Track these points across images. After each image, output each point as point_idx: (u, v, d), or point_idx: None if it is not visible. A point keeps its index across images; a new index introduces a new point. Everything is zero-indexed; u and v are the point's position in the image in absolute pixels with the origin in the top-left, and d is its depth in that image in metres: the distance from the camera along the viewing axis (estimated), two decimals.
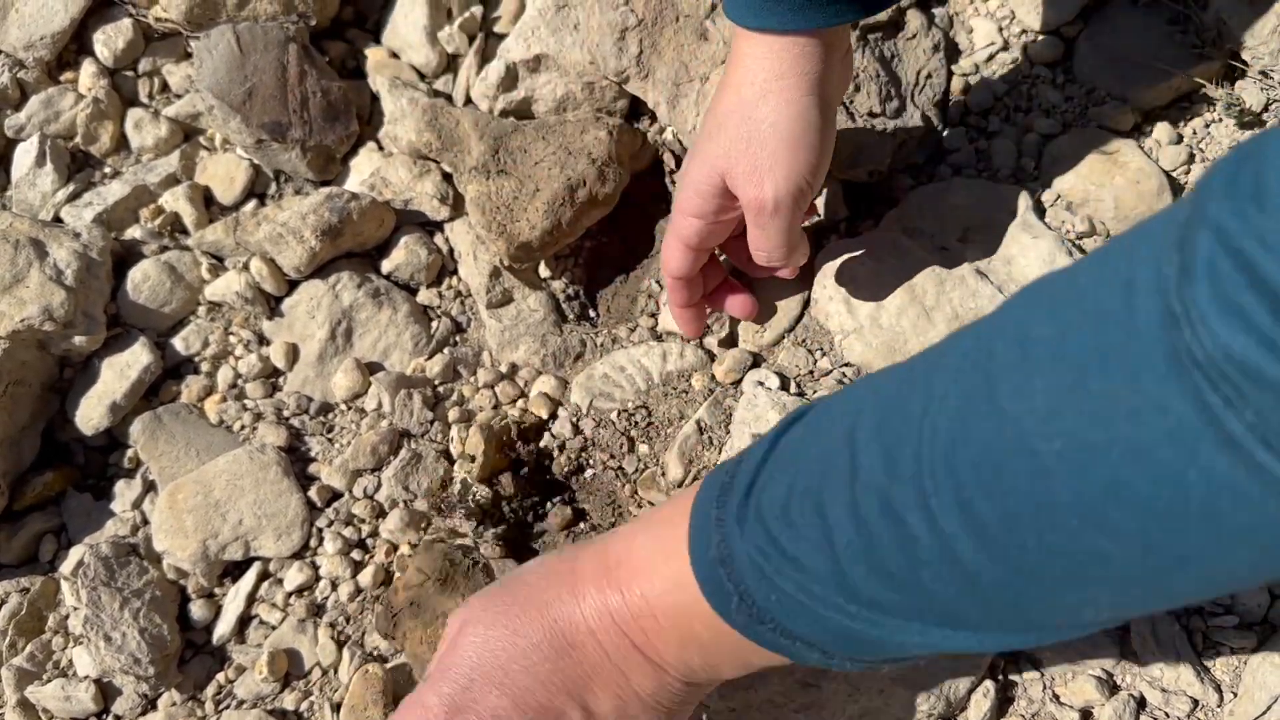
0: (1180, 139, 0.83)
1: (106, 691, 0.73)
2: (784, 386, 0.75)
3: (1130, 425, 0.32)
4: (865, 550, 0.41)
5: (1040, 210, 0.80)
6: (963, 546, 0.38)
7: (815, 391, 0.75)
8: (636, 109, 0.88)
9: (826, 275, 0.77)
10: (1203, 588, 0.38)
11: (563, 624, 0.52)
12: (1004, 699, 0.67)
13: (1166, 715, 0.65)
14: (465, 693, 0.51)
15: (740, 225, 0.70)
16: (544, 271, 0.84)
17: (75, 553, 0.76)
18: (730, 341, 0.79)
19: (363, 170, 0.88)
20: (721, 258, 0.79)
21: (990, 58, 0.88)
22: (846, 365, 0.76)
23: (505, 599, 0.54)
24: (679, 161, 0.86)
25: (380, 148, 0.89)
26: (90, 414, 0.78)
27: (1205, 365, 0.29)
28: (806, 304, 0.79)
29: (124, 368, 0.79)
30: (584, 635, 0.52)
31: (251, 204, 0.88)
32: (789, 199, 0.65)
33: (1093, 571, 0.37)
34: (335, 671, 0.72)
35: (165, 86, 0.93)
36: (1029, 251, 0.76)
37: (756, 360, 0.78)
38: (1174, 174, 0.81)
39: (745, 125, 0.64)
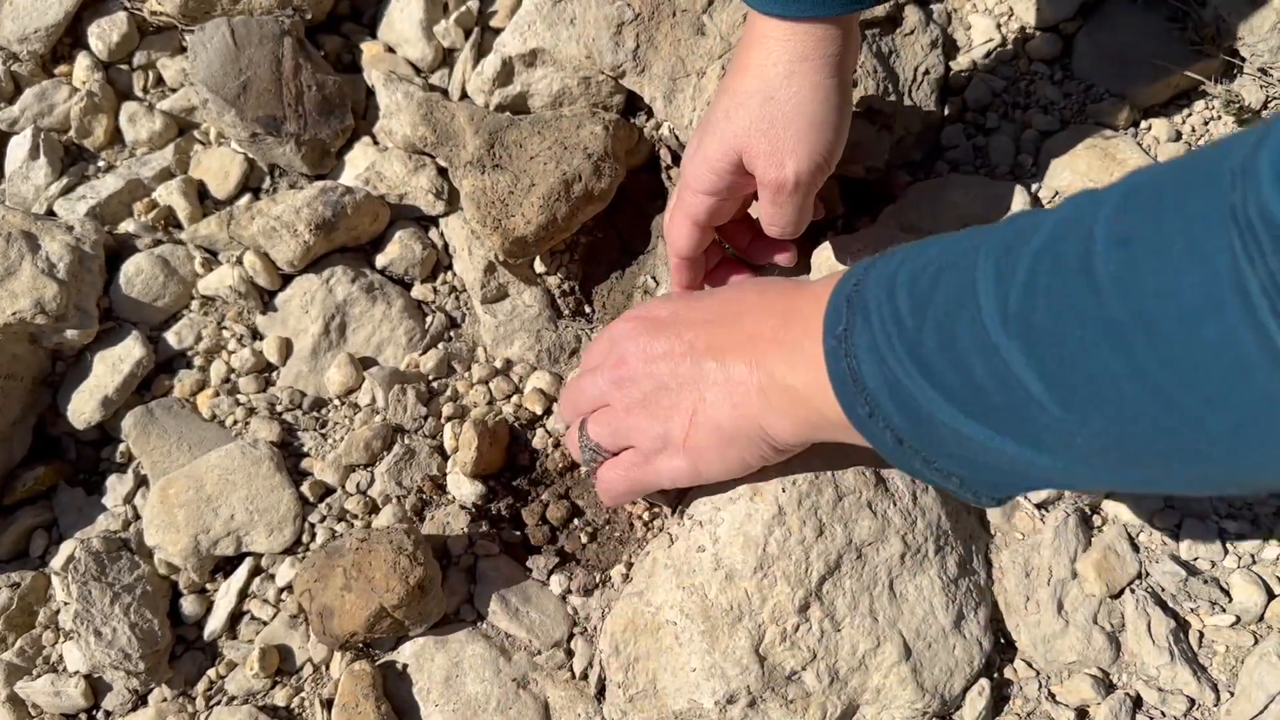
0: (1179, 136, 0.82)
1: (96, 687, 0.72)
2: None
3: (1175, 264, 0.35)
4: (946, 323, 0.44)
5: (1038, 207, 0.79)
6: (1010, 339, 0.41)
7: None
8: (633, 104, 0.87)
9: (822, 271, 0.77)
10: (1188, 454, 0.39)
11: (733, 301, 0.63)
12: (999, 697, 0.67)
13: (1163, 714, 0.65)
14: (655, 310, 0.66)
15: (744, 206, 0.73)
16: (539, 267, 0.84)
17: (66, 547, 0.76)
18: None
19: (358, 164, 0.87)
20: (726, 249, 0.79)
21: (988, 54, 0.87)
22: None
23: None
24: (675, 157, 0.86)
25: (375, 142, 0.89)
26: (82, 408, 0.78)
27: (1243, 223, 0.32)
28: None
29: (116, 362, 0.79)
30: (741, 313, 0.61)
31: (246, 198, 0.87)
32: (808, 178, 0.67)
33: (1100, 390, 0.39)
34: (326, 668, 0.72)
35: (160, 80, 0.92)
36: None
37: None
38: None
39: (768, 106, 0.65)
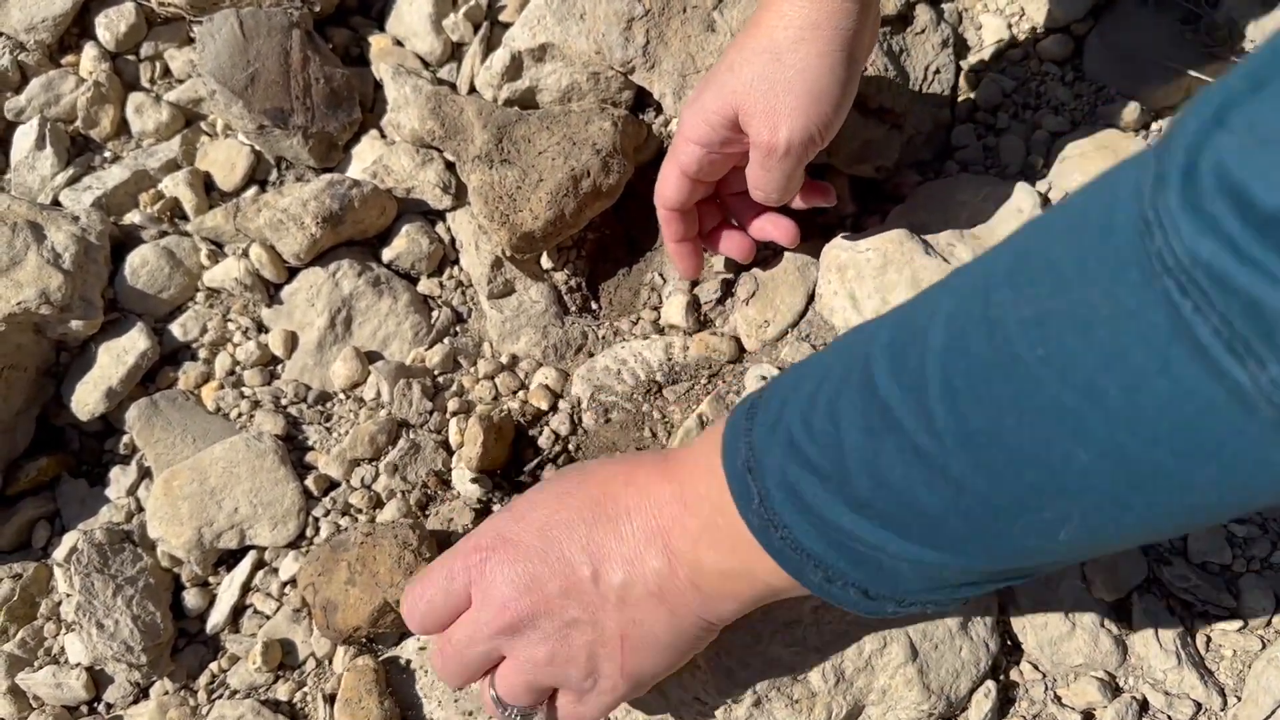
0: None
1: (98, 679, 0.72)
2: None
3: (1106, 331, 0.33)
4: (870, 457, 0.42)
5: (1048, 207, 0.79)
6: (952, 455, 0.39)
7: None
8: (642, 100, 0.87)
9: (831, 269, 0.76)
10: (1176, 512, 0.38)
11: (607, 500, 0.55)
12: (1005, 699, 0.66)
13: (1169, 718, 0.65)
14: (506, 529, 0.56)
15: (738, 166, 0.72)
16: (546, 263, 0.83)
17: (69, 539, 0.76)
18: (733, 335, 0.79)
19: (365, 158, 0.87)
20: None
21: (999, 54, 0.87)
22: None
23: (567, 474, 0.59)
24: None
25: (383, 136, 0.88)
26: (86, 399, 0.78)
27: (1175, 270, 0.30)
28: (811, 298, 0.78)
29: (121, 353, 0.78)
30: (621, 513, 0.54)
31: (252, 190, 0.87)
32: (799, 147, 0.66)
33: (1069, 483, 0.37)
34: (330, 663, 0.71)
35: (167, 71, 0.92)
36: None
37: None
38: None
39: (772, 67, 0.64)
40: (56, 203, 0.86)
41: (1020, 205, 0.78)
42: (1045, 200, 0.79)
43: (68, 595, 0.74)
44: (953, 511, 0.41)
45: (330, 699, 0.69)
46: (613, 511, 0.54)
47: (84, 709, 0.72)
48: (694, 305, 0.80)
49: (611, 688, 0.56)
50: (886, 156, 0.80)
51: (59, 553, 0.75)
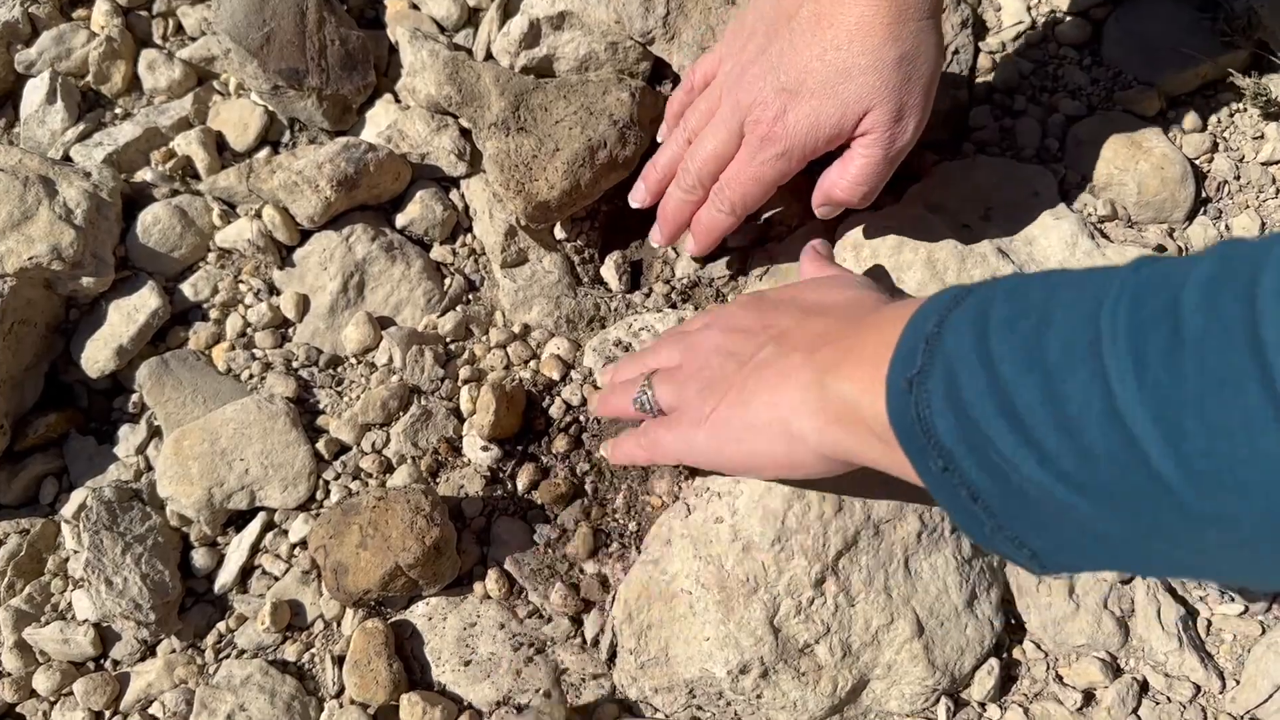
0: (1204, 127, 0.82)
1: (105, 636, 0.72)
2: None
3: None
4: (1054, 372, 0.38)
5: (1064, 192, 0.79)
6: (1151, 429, 0.34)
7: None
8: (659, 71, 0.87)
9: (846, 247, 0.77)
10: None
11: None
12: (1008, 677, 0.67)
13: (1169, 700, 0.66)
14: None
15: None
16: (559, 233, 0.83)
17: (77, 496, 0.75)
18: None
19: (379, 122, 0.86)
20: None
21: (1018, 36, 0.87)
22: None
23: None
24: None
25: (397, 100, 0.88)
26: (96, 356, 0.77)
27: None
28: None
29: (131, 311, 0.78)
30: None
31: (265, 151, 0.86)
32: (917, 137, 0.67)
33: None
34: (338, 625, 0.72)
35: (180, 28, 0.91)
36: (1051, 232, 0.75)
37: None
38: (1197, 161, 0.81)
39: (902, 64, 0.63)
40: (67, 158, 0.85)
41: (1037, 189, 0.78)
42: (1061, 185, 0.79)
43: (75, 552, 0.74)
44: (1113, 463, 0.36)
45: (339, 660, 0.70)
46: (818, 307, 0.62)
47: (91, 665, 0.72)
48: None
49: (694, 427, 0.61)
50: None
51: (67, 509, 0.75)
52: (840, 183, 0.69)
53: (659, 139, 0.81)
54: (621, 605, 0.67)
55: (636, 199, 0.80)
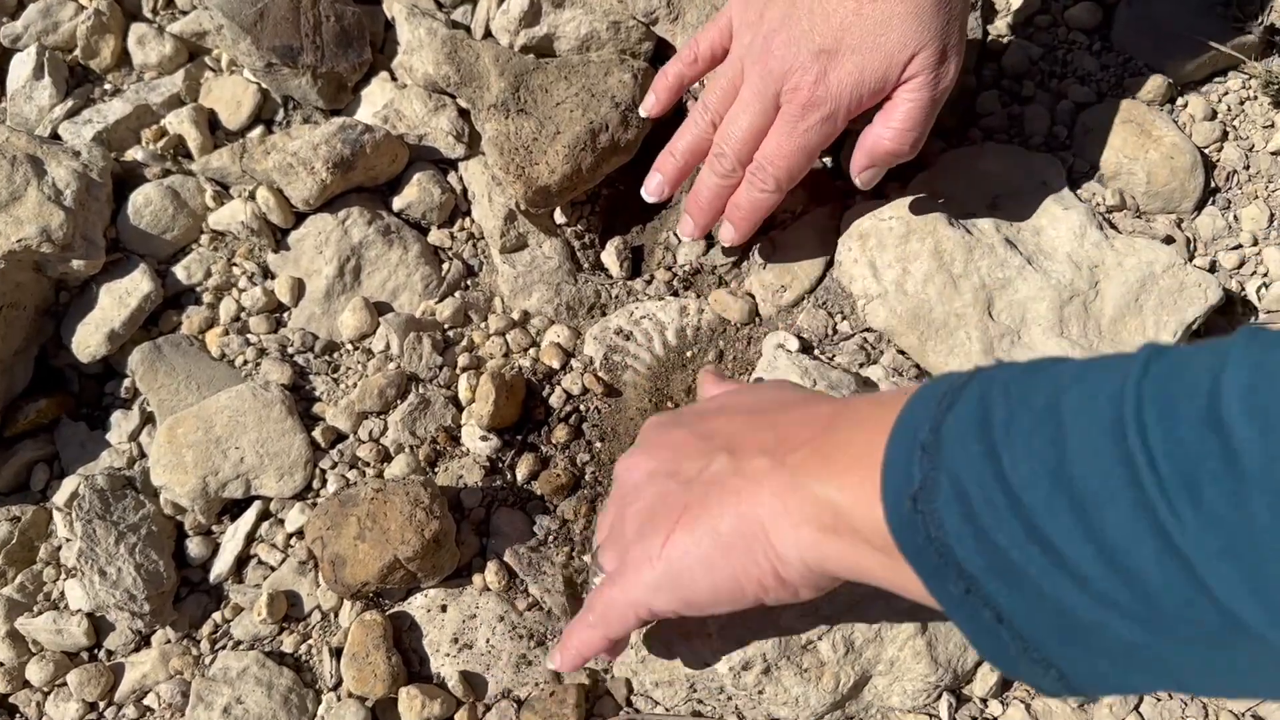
0: (1214, 114, 0.81)
1: (99, 625, 0.71)
2: (805, 349, 0.74)
3: None
4: (1088, 498, 0.35)
5: (1072, 180, 0.78)
6: (1217, 563, 0.32)
7: (834, 356, 0.74)
8: (662, 51, 0.85)
9: (851, 236, 0.75)
10: None
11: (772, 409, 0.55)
12: None
13: (1170, 695, 0.66)
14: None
15: None
16: (560, 218, 0.82)
17: (69, 483, 0.74)
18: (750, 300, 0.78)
19: (375, 101, 0.84)
20: None
21: (1028, 20, 0.85)
22: (868, 330, 0.74)
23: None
24: None
25: (393, 78, 0.86)
26: (87, 341, 0.76)
27: None
28: (829, 265, 0.77)
29: (123, 295, 0.77)
30: (779, 410, 0.55)
31: (258, 130, 0.84)
32: (956, 79, 0.65)
33: None
34: (335, 616, 0.71)
35: (170, 2, 0.89)
36: (1059, 223, 0.74)
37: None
38: (1206, 150, 0.80)
39: (943, 6, 0.62)
40: (55, 136, 0.83)
41: (1046, 178, 0.77)
42: (1070, 174, 0.78)
43: (68, 540, 0.73)
44: (1173, 596, 0.33)
45: (336, 652, 0.69)
46: (769, 410, 0.55)
47: (84, 655, 0.71)
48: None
49: (642, 569, 0.53)
50: None
51: (59, 497, 0.74)
52: (886, 133, 0.67)
53: (643, 112, 0.78)
54: None
55: (653, 192, 0.76)
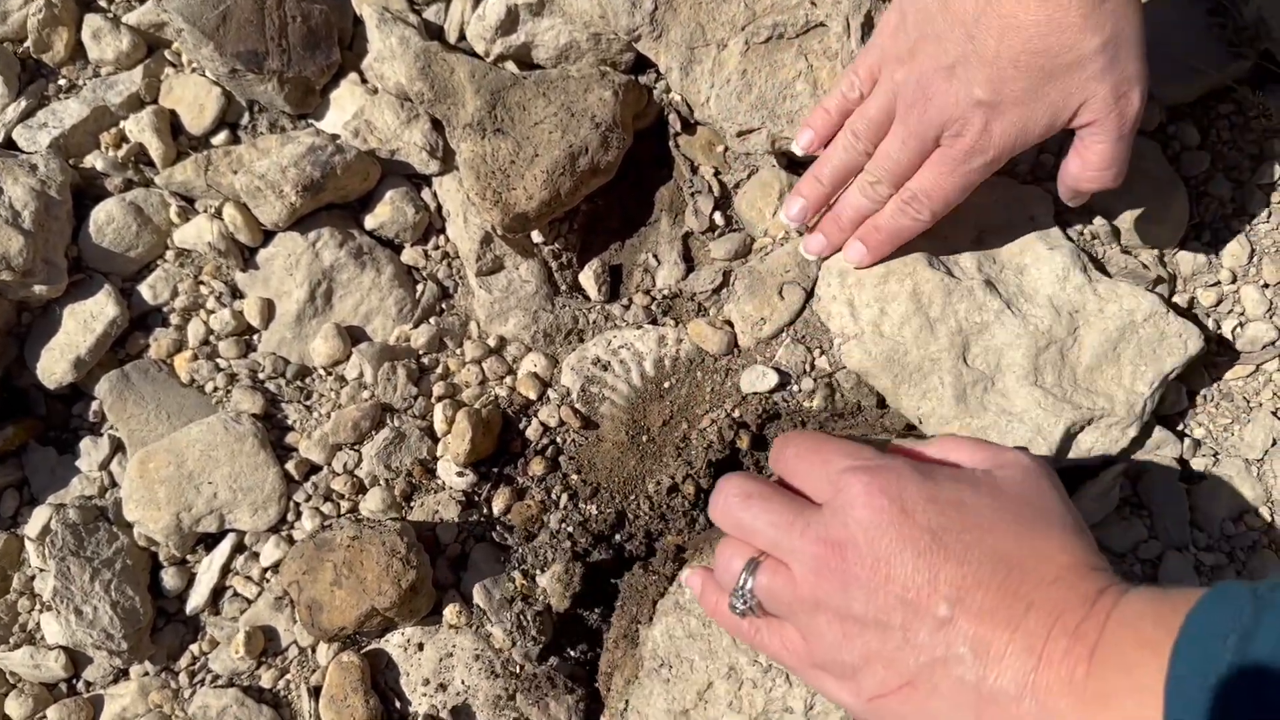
0: (1203, 142, 0.80)
1: (76, 659, 0.72)
2: (781, 384, 0.74)
3: None
4: None
5: (1059, 214, 0.77)
6: None
7: (813, 390, 0.74)
8: (642, 61, 0.82)
9: (831, 272, 0.75)
10: None
11: (1017, 578, 0.46)
12: None
13: None
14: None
15: None
16: (536, 237, 0.80)
17: (40, 514, 0.74)
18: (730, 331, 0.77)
19: (344, 107, 0.81)
20: None
21: None
22: (844, 370, 0.74)
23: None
24: (685, 123, 0.81)
25: (363, 80, 0.82)
26: (53, 369, 0.74)
27: None
28: (809, 297, 0.76)
29: (88, 319, 0.75)
30: (1022, 601, 0.45)
31: (223, 135, 0.81)
32: (1145, 101, 0.63)
33: None
34: (313, 652, 0.72)
35: None
36: (1043, 264, 0.73)
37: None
38: (1194, 180, 0.79)
39: (1109, 48, 0.59)
40: (10, 142, 0.80)
41: (1034, 213, 0.76)
42: (1057, 205, 0.77)
43: (41, 571, 0.73)
44: None
45: (315, 691, 0.70)
46: (1018, 587, 0.46)
47: (63, 686, 0.72)
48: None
49: (842, 690, 0.50)
50: None
51: (30, 527, 0.74)
52: (1085, 174, 0.66)
53: (800, 150, 0.74)
54: None
55: (795, 217, 0.73)
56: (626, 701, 0.67)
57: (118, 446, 0.75)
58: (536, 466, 0.74)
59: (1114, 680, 0.41)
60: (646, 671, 0.65)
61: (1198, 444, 0.76)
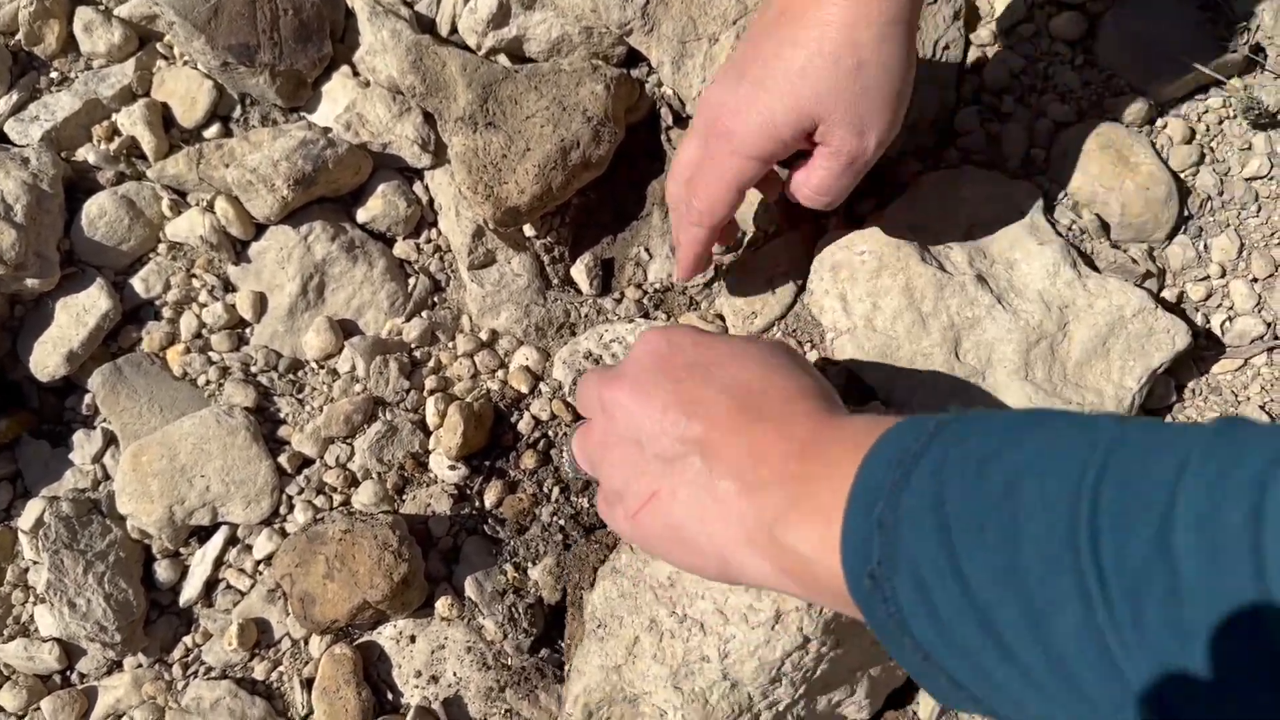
0: (1193, 137, 0.80)
1: (70, 650, 0.72)
2: None
3: None
4: (1034, 603, 0.37)
5: (1049, 206, 0.77)
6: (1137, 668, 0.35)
7: None
8: (634, 55, 0.82)
9: (824, 266, 0.75)
10: None
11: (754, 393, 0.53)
12: None
13: None
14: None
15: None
16: (529, 230, 0.80)
17: (34, 506, 0.74)
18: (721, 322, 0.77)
19: (336, 99, 0.81)
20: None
21: (1010, 28, 0.83)
22: (835, 364, 0.74)
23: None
24: (677, 117, 0.81)
25: (355, 73, 0.82)
26: (45, 362, 0.74)
27: None
28: (801, 290, 0.77)
29: (80, 313, 0.75)
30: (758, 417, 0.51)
31: (215, 128, 0.81)
32: (880, 151, 0.63)
33: None
34: (306, 644, 0.72)
35: None
36: (1033, 259, 0.74)
37: None
38: (1183, 175, 0.79)
39: (860, 73, 0.59)
40: (2, 136, 0.80)
41: (1024, 208, 0.76)
42: (1048, 199, 0.77)
43: (35, 564, 0.73)
44: (1109, 709, 0.36)
45: (307, 683, 0.71)
46: (753, 402, 0.52)
47: (57, 679, 0.72)
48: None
49: (620, 517, 0.55)
50: (890, 147, 0.77)
51: (24, 520, 0.74)
52: (803, 189, 0.66)
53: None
54: (579, 706, 0.65)
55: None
56: (572, 662, 0.67)
57: (110, 440, 0.76)
58: (528, 459, 0.74)
59: (815, 468, 0.47)
60: (587, 633, 0.66)
61: None
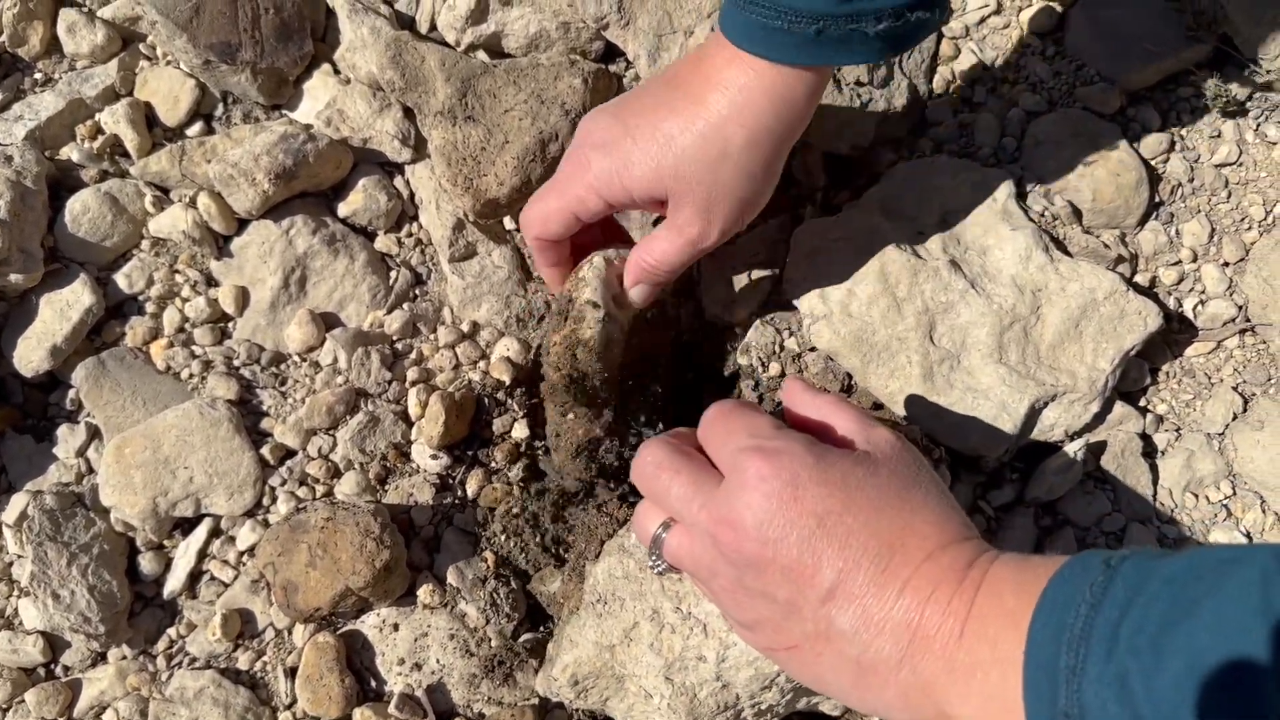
0: (1163, 125, 0.81)
1: (54, 643, 0.72)
2: (750, 367, 0.75)
3: None
4: None
5: (1021, 194, 0.78)
6: None
7: (780, 371, 0.75)
8: (612, 50, 0.83)
9: (800, 253, 0.76)
10: None
11: (896, 554, 0.49)
12: None
13: None
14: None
15: None
16: (509, 223, 0.81)
17: (18, 500, 0.74)
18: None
19: (317, 96, 0.82)
20: None
21: (982, 20, 0.84)
22: (813, 350, 0.75)
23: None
24: None
25: (336, 71, 0.83)
26: (29, 356, 0.75)
27: None
28: (779, 281, 0.77)
29: (64, 308, 0.75)
30: (897, 576, 0.49)
31: (198, 126, 0.82)
32: (724, 240, 0.64)
33: None
34: (289, 634, 0.72)
35: None
36: (1006, 244, 0.75)
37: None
38: (1153, 162, 0.80)
39: (719, 165, 0.60)
40: None
41: (997, 195, 0.77)
42: (1020, 187, 0.78)
43: (19, 556, 0.73)
44: None
45: (291, 672, 0.71)
46: (895, 568, 0.49)
47: (41, 671, 0.73)
48: None
49: (764, 648, 0.54)
50: (862, 137, 0.78)
51: (8, 514, 0.74)
52: (645, 256, 0.66)
53: None
54: (566, 673, 0.66)
55: None
56: (565, 629, 0.68)
57: (94, 433, 0.76)
58: (509, 449, 0.75)
59: (980, 652, 0.45)
60: (585, 605, 0.66)
61: (1160, 419, 0.77)
